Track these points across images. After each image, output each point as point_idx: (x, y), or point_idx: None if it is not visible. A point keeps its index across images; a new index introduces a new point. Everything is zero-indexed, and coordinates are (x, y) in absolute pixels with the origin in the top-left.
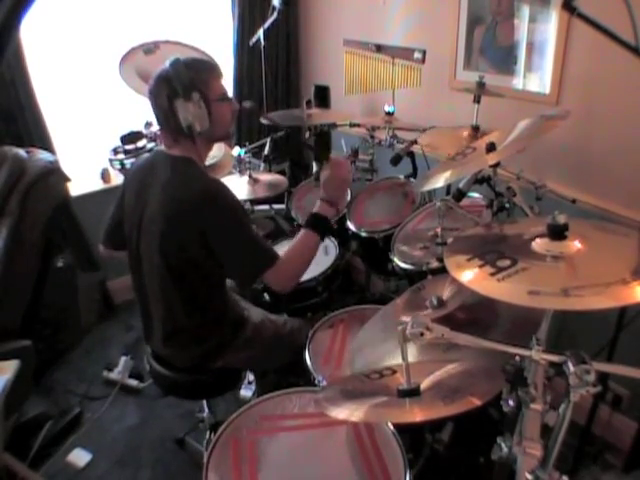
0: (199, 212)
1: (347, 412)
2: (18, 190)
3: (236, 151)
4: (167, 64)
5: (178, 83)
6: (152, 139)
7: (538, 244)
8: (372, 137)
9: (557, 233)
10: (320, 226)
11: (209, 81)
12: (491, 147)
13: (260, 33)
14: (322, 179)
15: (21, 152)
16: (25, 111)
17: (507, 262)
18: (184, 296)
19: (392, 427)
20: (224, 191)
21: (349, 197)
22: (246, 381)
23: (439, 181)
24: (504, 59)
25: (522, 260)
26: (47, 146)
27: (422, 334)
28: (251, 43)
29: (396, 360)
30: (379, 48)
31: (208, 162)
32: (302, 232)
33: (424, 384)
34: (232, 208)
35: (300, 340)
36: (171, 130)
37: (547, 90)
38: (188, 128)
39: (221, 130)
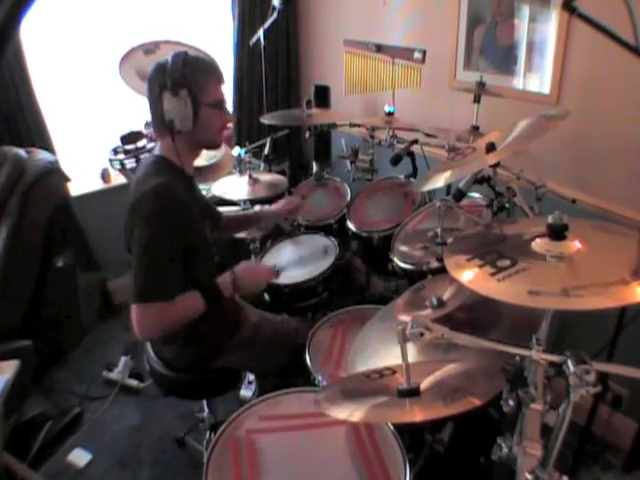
0: (139, 208)
1: (347, 412)
2: (18, 190)
3: (236, 151)
4: (169, 55)
5: (170, 76)
6: (152, 139)
7: (538, 244)
8: (372, 137)
9: (557, 233)
10: (211, 296)
11: (205, 84)
12: (491, 147)
13: (260, 33)
14: (245, 264)
15: (21, 152)
16: (25, 111)
17: (507, 262)
18: None
19: (392, 427)
20: (167, 196)
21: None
22: (246, 381)
23: (439, 181)
24: (504, 59)
25: (522, 260)
26: (47, 146)
27: (422, 334)
28: (251, 43)
29: (396, 360)
30: (379, 48)
31: (208, 162)
32: (196, 297)
33: (424, 384)
34: (148, 220)
35: (299, 339)
36: (156, 121)
37: (547, 90)
38: (169, 123)
39: (206, 135)
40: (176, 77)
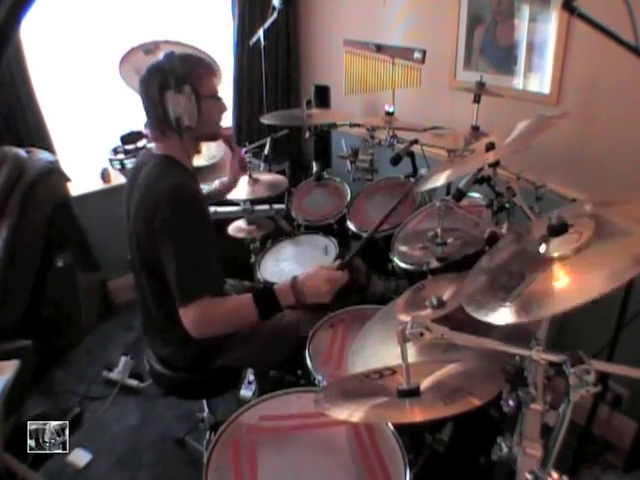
0: (157, 209)
1: (347, 412)
2: (18, 190)
3: None
4: (161, 56)
5: (171, 75)
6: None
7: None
8: (372, 137)
9: (557, 231)
10: (267, 306)
11: (202, 77)
12: (491, 146)
13: (260, 33)
14: (309, 270)
15: (21, 152)
16: (25, 111)
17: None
18: (168, 293)
19: (392, 427)
20: (186, 194)
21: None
22: (246, 381)
23: (439, 181)
24: (504, 59)
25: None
26: (47, 146)
27: (422, 334)
28: (251, 43)
29: (396, 360)
30: (379, 48)
31: (208, 162)
32: (247, 298)
33: (424, 384)
34: (186, 214)
35: (299, 333)
36: (159, 122)
37: (547, 90)
38: (176, 121)
39: (208, 128)
40: (178, 75)
